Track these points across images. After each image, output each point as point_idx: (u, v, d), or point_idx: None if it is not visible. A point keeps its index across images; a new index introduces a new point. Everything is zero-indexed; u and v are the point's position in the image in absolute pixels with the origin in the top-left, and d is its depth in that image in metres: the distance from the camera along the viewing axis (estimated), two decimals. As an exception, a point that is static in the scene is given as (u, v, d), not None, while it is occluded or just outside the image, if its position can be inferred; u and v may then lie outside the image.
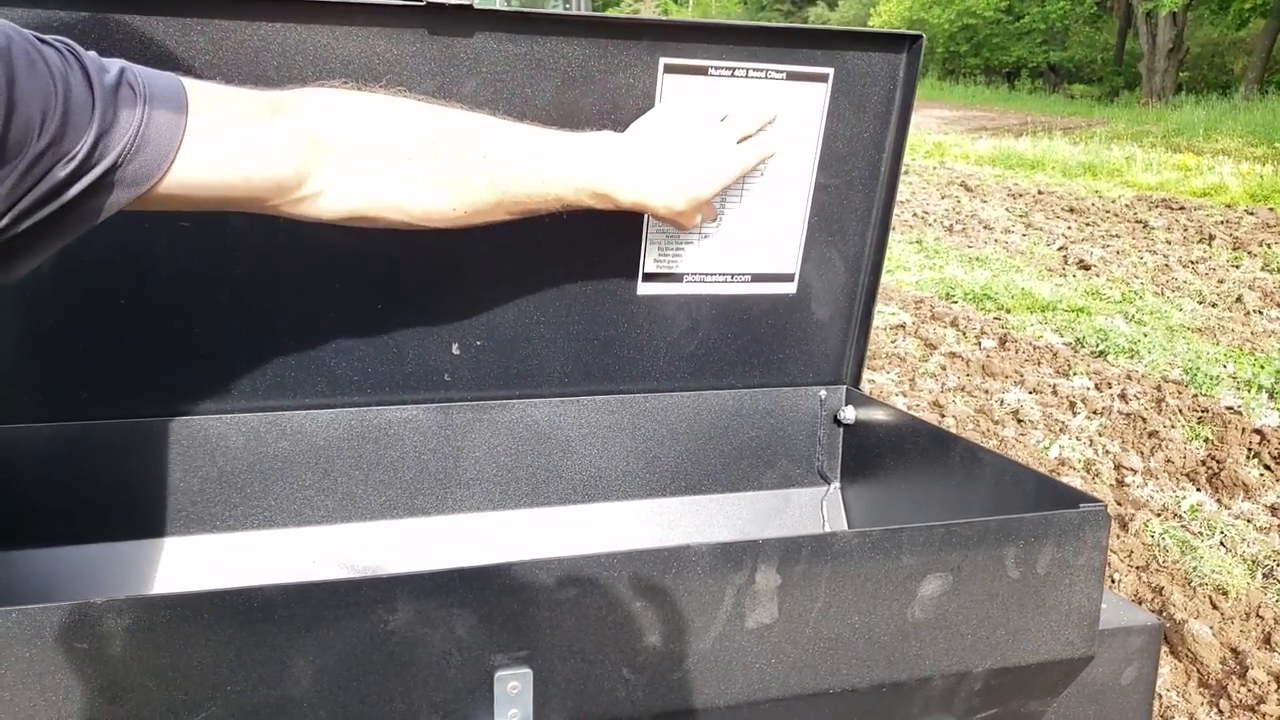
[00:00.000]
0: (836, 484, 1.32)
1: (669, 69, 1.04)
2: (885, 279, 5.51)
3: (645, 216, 1.11)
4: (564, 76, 1.02)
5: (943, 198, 8.41)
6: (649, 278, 1.15)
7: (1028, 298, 5.11)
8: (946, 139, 12.39)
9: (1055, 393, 3.81)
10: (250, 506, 1.11)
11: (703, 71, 1.05)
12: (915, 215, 7.60)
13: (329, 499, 1.12)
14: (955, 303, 5.15)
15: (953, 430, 3.44)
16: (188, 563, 1.08)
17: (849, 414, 1.28)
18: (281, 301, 1.04)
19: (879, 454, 1.22)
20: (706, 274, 1.17)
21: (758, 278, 1.19)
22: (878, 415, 1.23)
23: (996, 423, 3.58)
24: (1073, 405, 3.69)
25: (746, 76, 1.07)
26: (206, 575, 1.08)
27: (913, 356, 4.32)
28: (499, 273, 1.09)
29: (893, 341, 4.53)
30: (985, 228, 7.13)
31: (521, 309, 1.12)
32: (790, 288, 1.21)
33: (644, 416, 1.22)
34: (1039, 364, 4.18)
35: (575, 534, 1.21)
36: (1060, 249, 6.44)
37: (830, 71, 1.10)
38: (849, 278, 1.22)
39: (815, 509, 1.30)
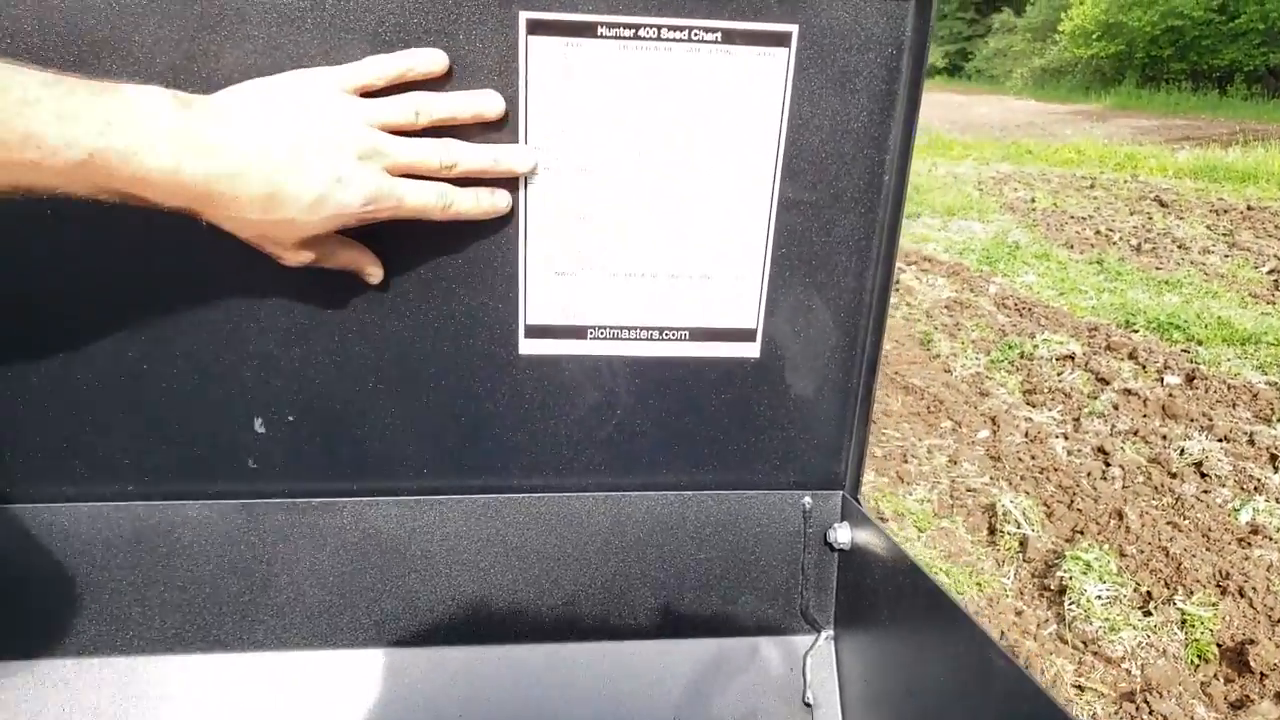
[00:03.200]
0: (828, 632, 0.94)
1: (534, 27, 0.72)
2: (1056, 302, 5.07)
3: (522, 238, 0.78)
4: (370, 36, 0.71)
5: (1132, 213, 7.68)
6: (535, 331, 0.82)
7: (1225, 328, 4.50)
8: (1141, 150, 11.43)
9: (1252, 442, 3.25)
10: None
11: (587, 31, 0.72)
12: (1097, 233, 6.95)
13: (93, 623, 0.84)
14: (1136, 331, 4.59)
15: (1119, 482, 2.96)
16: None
17: (844, 535, 0.91)
18: (17, 364, 0.78)
19: (885, 596, 0.84)
20: (624, 327, 0.83)
21: (702, 334, 0.84)
22: (880, 542, 0.85)
23: (1174, 476, 3.07)
24: (1274, 458, 3.12)
25: (657, 39, 0.73)
26: None
27: (1080, 392, 3.84)
28: (318, 316, 0.79)
29: (1058, 374, 4.06)
30: (1180, 247, 6.44)
31: (351, 369, 0.82)
32: (751, 349, 0.85)
33: (536, 526, 0.88)
34: (1234, 406, 3.61)
35: (429, 687, 0.88)
36: (1270, 272, 5.69)
37: (794, 30, 0.74)
38: (840, 334, 0.85)
39: (795, 670, 0.92)
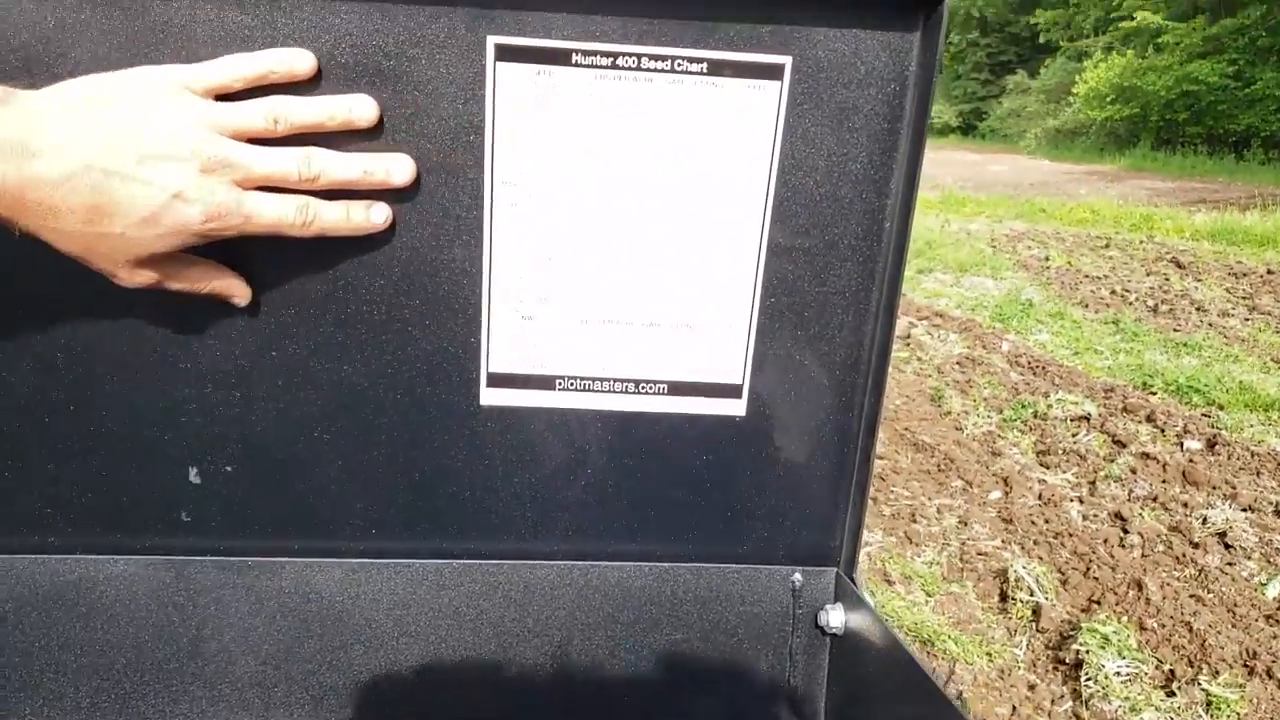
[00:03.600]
0: None
1: (502, 53, 0.65)
2: (1070, 361, 5.00)
3: (485, 277, 0.72)
4: (326, 57, 0.65)
5: (1148, 274, 7.60)
6: (498, 380, 0.75)
7: (1247, 393, 4.40)
8: (1157, 211, 11.37)
9: (1278, 512, 3.14)
10: None
11: (560, 59, 0.66)
12: (1113, 293, 6.87)
13: (8, 690, 0.76)
14: (1154, 393, 4.48)
15: (1138, 551, 2.86)
16: None
17: (836, 618, 0.82)
18: None
19: (882, 692, 0.75)
20: (597, 379, 0.76)
21: (683, 389, 0.77)
22: (877, 628, 0.76)
23: (1196, 546, 2.97)
24: (1301, 530, 3.01)
25: (637, 69, 0.67)
26: None
27: (1096, 455, 3.72)
28: (260, 358, 0.72)
29: (1073, 435, 3.97)
30: (1198, 310, 6.36)
31: (296, 416, 0.74)
32: (737, 406, 0.78)
33: (493, 597, 0.80)
34: (1258, 474, 3.50)
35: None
36: (1292, 336, 5.60)
37: (786, 62, 0.68)
38: (835, 393, 0.78)
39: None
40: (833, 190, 0.72)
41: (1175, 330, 5.76)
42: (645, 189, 0.71)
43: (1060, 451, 3.74)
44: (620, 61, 0.67)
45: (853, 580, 0.80)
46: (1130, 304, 6.53)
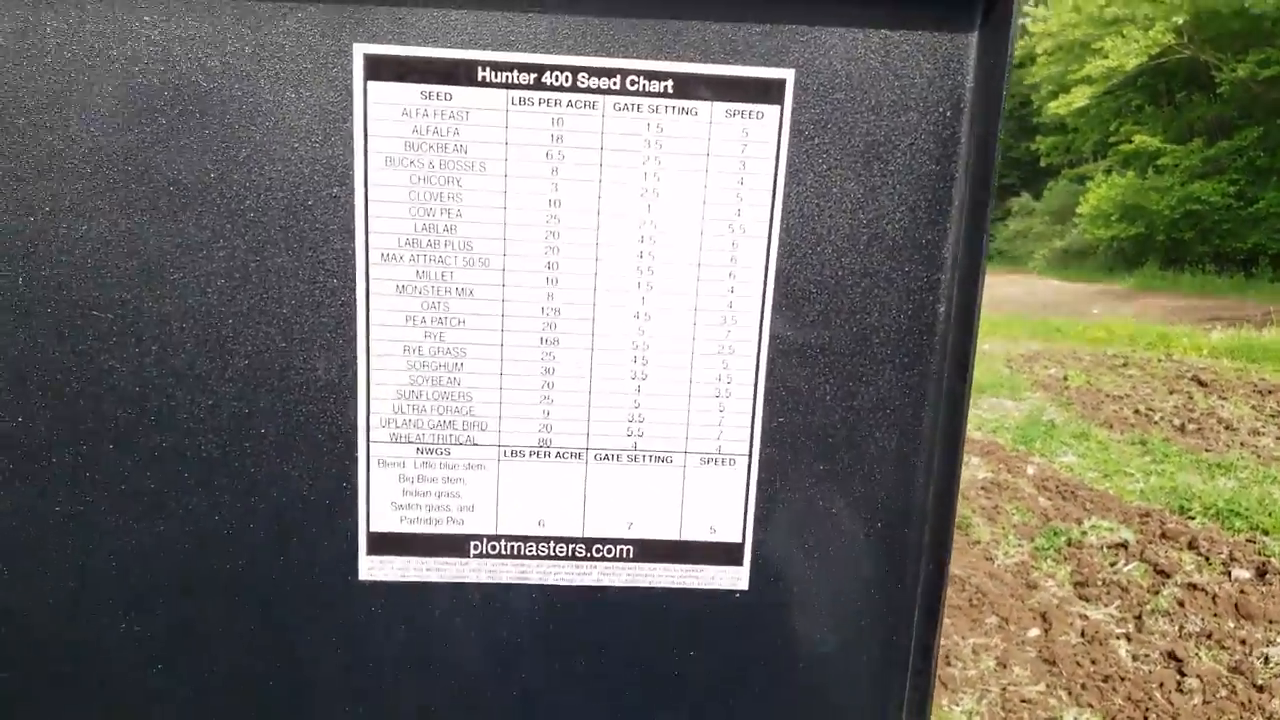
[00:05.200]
0: None
1: (375, 67, 0.45)
2: (1100, 484, 4.85)
3: (361, 390, 0.49)
4: (139, 93, 0.45)
5: (1171, 392, 7.41)
6: (384, 543, 0.52)
7: (1293, 516, 4.19)
8: (1173, 329, 11.25)
9: (1347, 651, 2.87)
10: None
11: (462, 76, 0.45)
12: (1136, 412, 6.65)
13: None
14: (1193, 518, 4.21)
15: (1199, 696, 2.56)
16: None
17: None
18: None
19: None
20: (531, 539, 0.52)
21: (659, 552, 0.53)
22: None
23: (1261, 689, 2.69)
24: (1377, 671, 2.73)
25: (573, 88, 0.46)
26: None
27: (1138, 586, 3.43)
28: (37, 509, 0.50)
29: (1111, 565, 3.72)
30: (1227, 428, 6.17)
31: (94, 597, 0.51)
32: (736, 576, 0.54)
33: None
34: (1317, 607, 3.23)
35: None
36: (1331, 457, 5.38)
37: (787, 77, 0.47)
38: (876, 559, 0.54)
39: None
40: (860, 261, 0.50)
41: (1206, 450, 5.52)
42: (588, 262, 0.49)
43: (1100, 583, 3.47)
44: (549, 78, 0.46)
45: None
46: (1156, 423, 6.30)
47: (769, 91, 0.48)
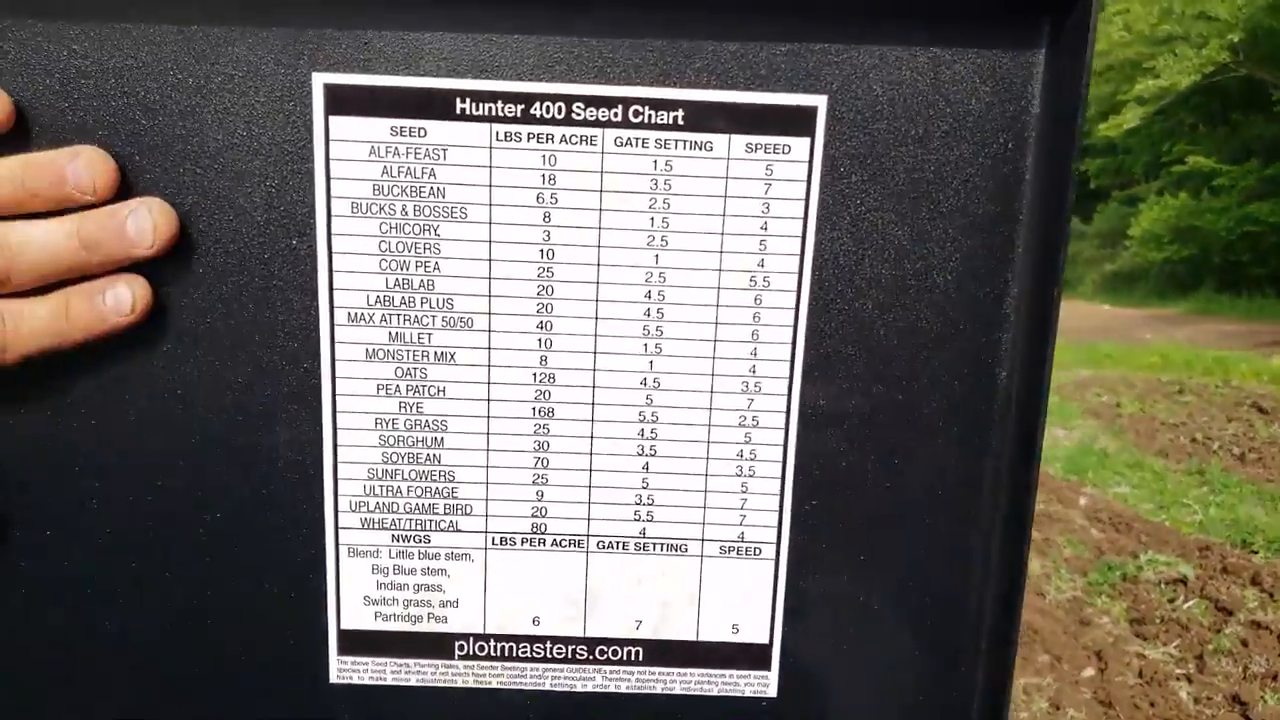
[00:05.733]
0: None
1: (339, 101, 0.39)
2: (1156, 516, 4.79)
3: (328, 462, 0.43)
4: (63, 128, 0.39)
5: (1230, 420, 7.23)
6: (357, 642, 0.45)
7: (1363, 552, 4.09)
8: (1230, 354, 11.00)
9: None
10: None
11: (437, 108, 0.39)
12: (1193, 441, 6.50)
13: None
14: (1256, 552, 4.09)
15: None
16: None
17: None
18: None
19: None
20: (525, 638, 0.45)
21: (672, 654, 0.46)
22: None
23: None
24: None
25: (566, 120, 0.39)
26: None
27: (1199, 624, 3.33)
28: None
29: (1169, 601, 3.63)
30: (1291, 458, 6.02)
31: (28, 700, 0.45)
32: (763, 681, 0.46)
33: None
34: (1392, 649, 3.04)
35: None
36: (1404, 490, 5.24)
37: (819, 105, 0.40)
38: (928, 665, 0.46)
39: None
40: (906, 318, 0.43)
41: (1269, 481, 5.37)
42: (587, 321, 0.42)
43: (1158, 620, 3.37)
44: (540, 110, 0.40)
45: None
46: (1214, 452, 6.14)
47: (797, 122, 0.41)
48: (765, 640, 0.46)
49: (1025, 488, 0.43)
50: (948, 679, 0.47)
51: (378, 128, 0.40)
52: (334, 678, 0.46)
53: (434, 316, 0.42)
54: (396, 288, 0.41)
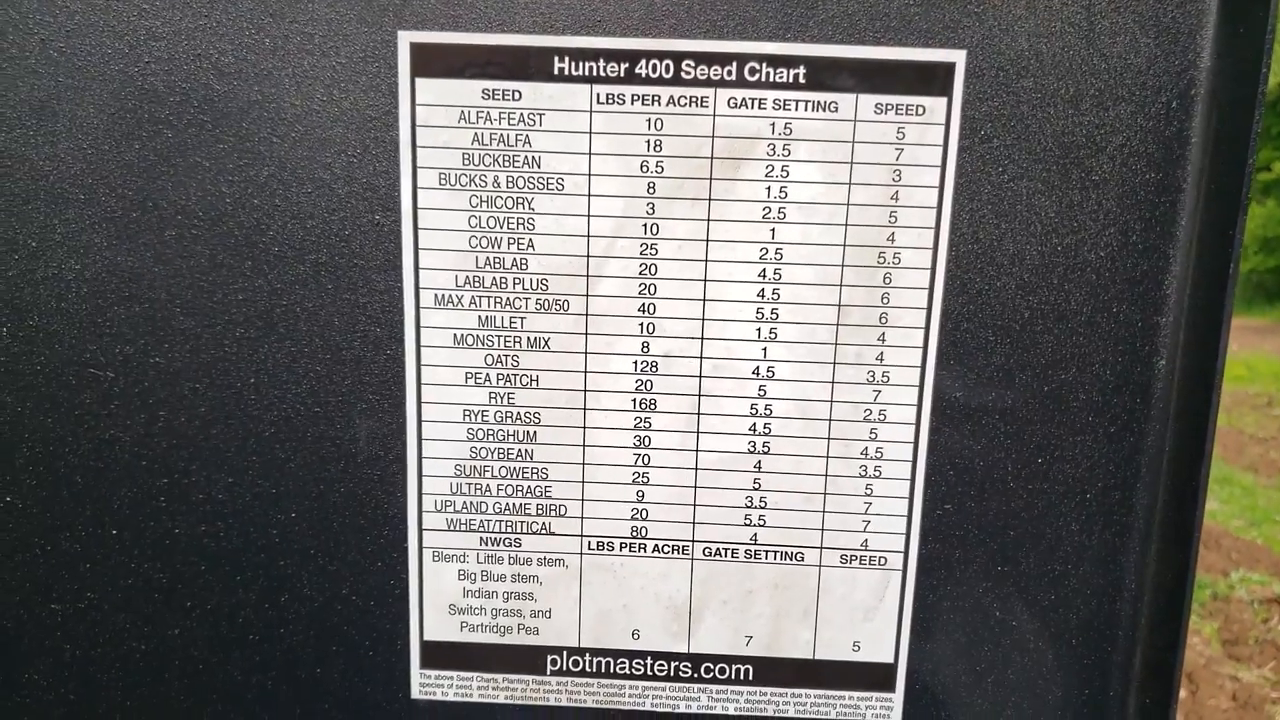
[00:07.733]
0: None
1: (425, 61, 0.36)
2: (1247, 534, 4.64)
3: (410, 451, 0.40)
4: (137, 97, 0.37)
5: (1322, 434, 7.00)
6: (441, 655, 0.42)
7: None
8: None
9: None
10: None
11: (533, 69, 0.36)
12: (1286, 450, 6.30)
13: None
14: None
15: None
16: None
17: None
18: None
19: None
20: (623, 653, 0.42)
21: (783, 674, 0.42)
22: None
23: None
24: None
25: (675, 80, 0.36)
26: None
27: None
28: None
29: (1264, 621, 3.51)
30: (1391, 477, 5.81)
31: (97, 704, 0.43)
32: (888, 705, 0.42)
33: None
34: None
35: None
36: None
37: (957, 60, 0.36)
38: (1078, 690, 0.41)
39: None
40: (1053, 300, 0.38)
41: (1367, 498, 5.20)
42: (695, 303, 0.39)
43: (1251, 641, 3.28)
44: (645, 69, 0.36)
45: None
46: (1310, 464, 5.98)
47: (933, 80, 0.36)
48: (890, 660, 0.42)
49: (1190, 493, 0.38)
50: (1097, 709, 0.42)
51: (468, 91, 0.37)
52: (415, 693, 0.42)
53: (527, 299, 0.38)
54: (487, 267, 0.38)
